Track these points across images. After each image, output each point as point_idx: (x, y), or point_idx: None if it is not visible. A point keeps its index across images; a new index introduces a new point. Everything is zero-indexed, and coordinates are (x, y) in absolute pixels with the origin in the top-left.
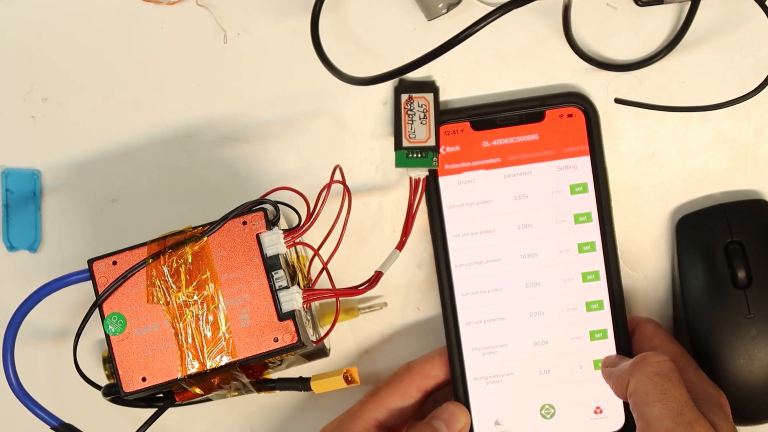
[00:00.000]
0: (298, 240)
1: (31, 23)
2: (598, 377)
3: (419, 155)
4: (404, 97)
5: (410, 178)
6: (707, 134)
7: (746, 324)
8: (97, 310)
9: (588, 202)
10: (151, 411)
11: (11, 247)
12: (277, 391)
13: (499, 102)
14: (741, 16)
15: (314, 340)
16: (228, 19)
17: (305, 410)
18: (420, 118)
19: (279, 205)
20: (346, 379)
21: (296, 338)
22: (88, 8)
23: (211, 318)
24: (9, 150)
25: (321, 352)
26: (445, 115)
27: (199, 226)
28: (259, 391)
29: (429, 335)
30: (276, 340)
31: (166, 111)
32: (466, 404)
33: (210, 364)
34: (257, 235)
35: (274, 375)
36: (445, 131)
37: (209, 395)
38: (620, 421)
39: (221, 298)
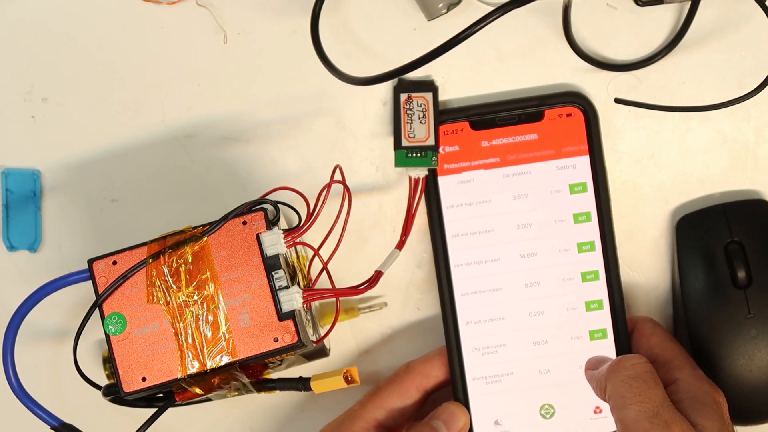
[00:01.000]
0: (298, 240)
1: (31, 23)
2: None
3: (419, 155)
4: (403, 96)
5: (410, 178)
6: (707, 134)
7: (746, 324)
8: (97, 310)
9: (587, 201)
10: (151, 411)
11: (11, 247)
12: (277, 391)
13: (499, 102)
14: (741, 16)
15: (314, 340)
16: (228, 19)
17: (305, 410)
18: (419, 118)
19: (279, 205)
20: (346, 379)
21: (296, 338)
22: (88, 8)
23: (211, 318)
24: (9, 150)
25: (321, 352)
26: (444, 114)
27: (199, 226)
28: (259, 391)
29: (429, 335)
30: (276, 340)
31: (166, 111)
32: (466, 404)
33: (210, 364)
34: (257, 235)
35: (274, 375)
36: (444, 131)
37: (209, 395)
38: None
39: (221, 298)
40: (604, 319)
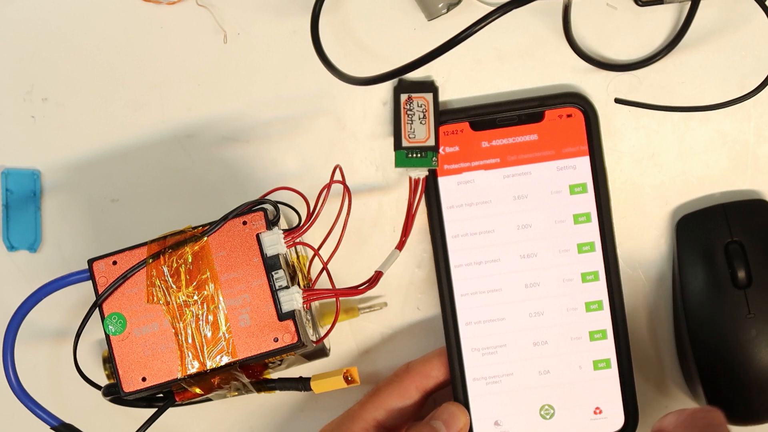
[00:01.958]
0: (298, 240)
1: (31, 23)
2: (597, 377)
3: (419, 155)
4: (404, 96)
5: (410, 178)
6: (707, 134)
7: (746, 324)
8: (97, 310)
9: (587, 202)
10: (151, 411)
11: (11, 247)
12: (277, 391)
13: (499, 102)
14: (741, 16)
15: (314, 340)
16: (228, 19)
17: (305, 410)
18: (419, 118)
19: (279, 205)
20: (346, 379)
21: (296, 338)
22: (88, 8)
23: (211, 318)
24: (9, 150)
25: (321, 352)
26: (444, 115)
27: (199, 226)
28: (259, 391)
29: (429, 335)
30: (276, 340)
31: (166, 111)
32: (466, 405)
33: (210, 364)
34: (257, 235)
35: (274, 375)
36: (444, 131)
37: (209, 395)
38: (620, 422)
39: (221, 298)
40: (604, 319)
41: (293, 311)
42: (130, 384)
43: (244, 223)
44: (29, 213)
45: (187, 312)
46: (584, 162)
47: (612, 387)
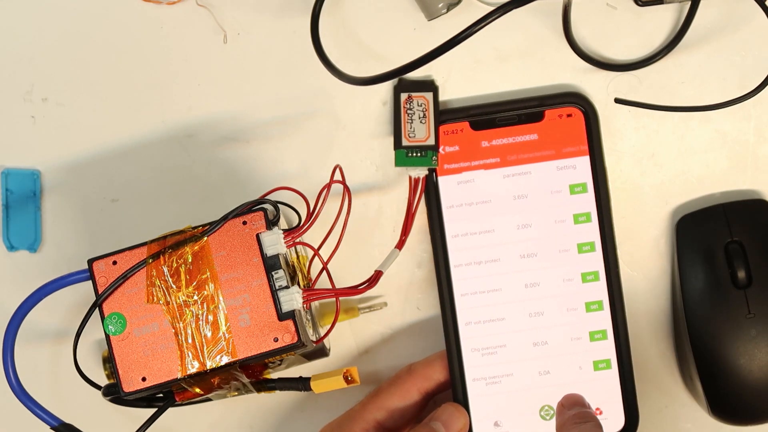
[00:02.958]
0: (298, 240)
1: (31, 23)
2: (597, 378)
3: (419, 154)
4: (404, 96)
5: (410, 178)
6: (707, 134)
7: (746, 324)
8: (97, 310)
9: (587, 202)
10: (151, 411)
11: (11, 247)
12: (277, 391)
13: (499, 102)
14: (741, 16)
15: (314, 340)
16: (228, 19)
17: (305, 410)
18: (419, 118)
19: (279, 205)
20: (346, 379)
21: (296, 338)
22: (88, 8)
23: (211, 318)
24: (9, 150)
25: (321, 352)
26: (444, 114)
27: (199, 226)
28: (259, 391)
29: (429, 335)
30: (276, 340)
31: (166, 111)
32: (466, 405)
33: (210, 364)
34: (257, 235)
35: (274, 375)
36: (444, 131)
37: (209, 395)
38: (620, 422)
39: (221, 298)
40: (604, 319)
41: (293, 311)
42: (130, 384)
43: (244, 223)
44: (29, 213)
45: (187, 312)
46: (584, 162)
47: (612, 387)
